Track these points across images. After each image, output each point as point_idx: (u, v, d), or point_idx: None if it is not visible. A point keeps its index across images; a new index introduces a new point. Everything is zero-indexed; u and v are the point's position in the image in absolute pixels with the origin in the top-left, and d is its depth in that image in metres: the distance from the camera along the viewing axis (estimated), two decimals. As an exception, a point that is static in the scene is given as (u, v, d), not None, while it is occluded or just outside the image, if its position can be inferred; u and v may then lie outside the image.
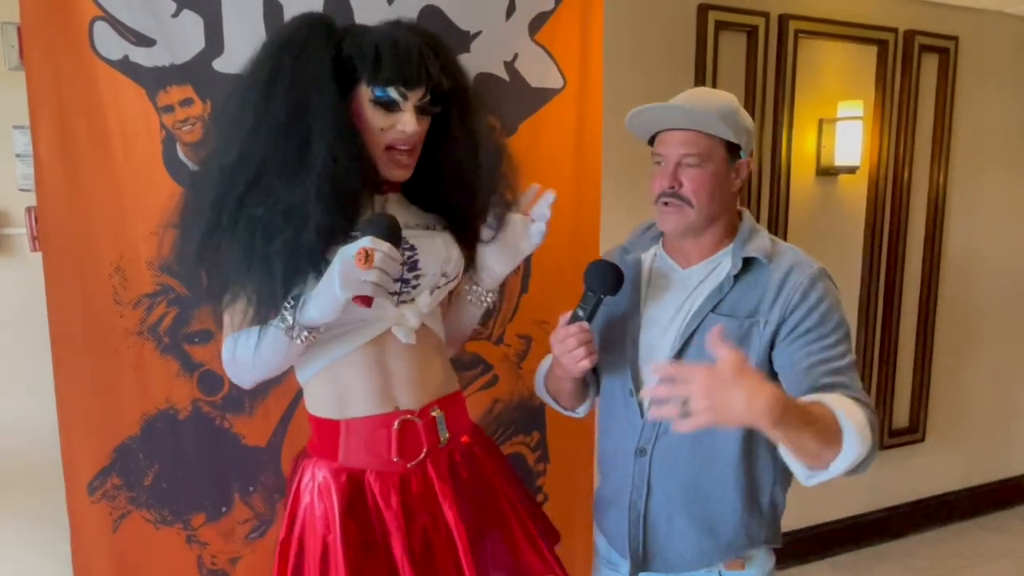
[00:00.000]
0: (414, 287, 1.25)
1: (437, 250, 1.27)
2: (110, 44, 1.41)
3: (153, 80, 1.44)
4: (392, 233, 1.11)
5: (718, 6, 2.43)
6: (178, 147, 1.48)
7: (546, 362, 1.45)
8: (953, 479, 3.25)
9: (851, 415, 1.08)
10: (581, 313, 1.24)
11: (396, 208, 1.27)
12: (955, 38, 2.87)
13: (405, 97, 1.16)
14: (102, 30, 1.40)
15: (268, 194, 1.10)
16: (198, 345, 1.54)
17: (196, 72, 1.46)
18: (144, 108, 1.44)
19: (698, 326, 1.24)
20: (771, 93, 2.58)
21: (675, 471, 1.28)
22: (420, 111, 1.19)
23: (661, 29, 2.38)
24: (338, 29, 1.19)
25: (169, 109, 1.46)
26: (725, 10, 2.44)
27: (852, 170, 2.70)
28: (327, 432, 1.26)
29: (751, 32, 2.51)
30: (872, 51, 2.74)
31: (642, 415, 1.29)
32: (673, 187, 1.23)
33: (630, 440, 1.31)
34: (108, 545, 1.52)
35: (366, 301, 1.10)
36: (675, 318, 1.29)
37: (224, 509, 1.60)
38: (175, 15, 1.44)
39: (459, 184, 1.27)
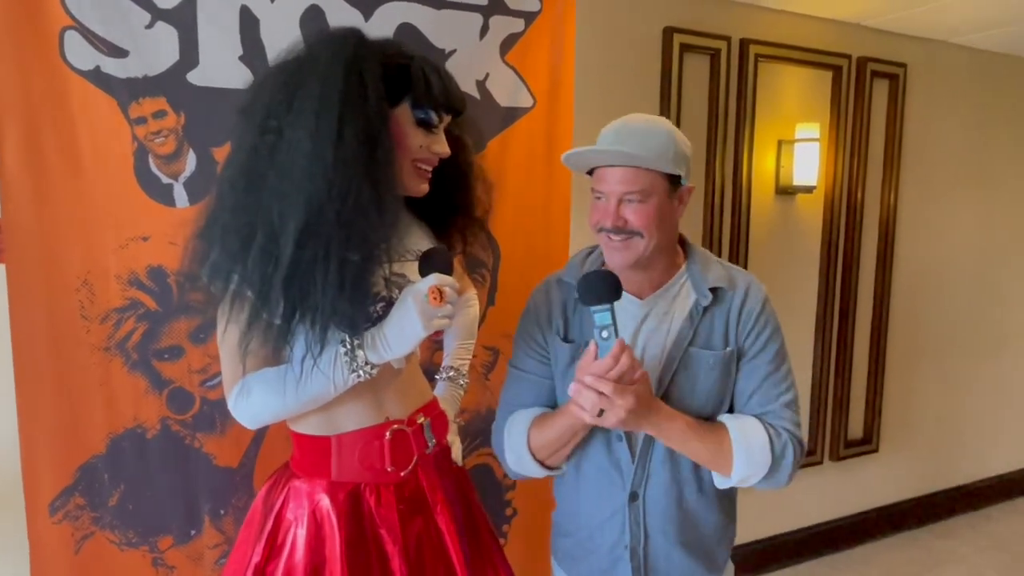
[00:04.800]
0: None
1: None
2: (81, 54, 1.39)
3: (125, 91, 1.42)
4: (451, 266, 1.17)
5: (683, 29, 2.50)
6: (150, 159, 1.46)
7: (519, 423, 1.30)
8: (905, 488, 3.36)
9: (746, 437, 1.21)
10: (607, 335, 1.11)
11: (417, 231, 1.29)
12: (904, 65, 3.00)
13: (441, 119, 1.19)
14: (73, 39, 1.38)
15: (353, 221, 1.05)
16: (168, 362, 1.51)
17: (170, 84, 1.45)
18: (116, 119, 1.42)
19: (680, 361, 1.24)
20: (733, 114, 2.66)
21: (668, 506, 1.28)
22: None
23: (628, 50, 2.43)
24: (376, 48, 1.15)
25: (142, 121, 1.44)
26: (690, 33, 2.51)
27: (809, 190, 2.79)
28: (317, 449, 1.24)
29: (714, 55, 2.58)
30: (828, 76, 2.85)
31: (633, 458, 1.27)
32: (618, 224, 1.20)
33: (618, 488, 1.28)
34: (69, 567, 1.47)
35: (437, 333, 1.15)
36: (646, 353, 1.26)
37: (193, 532, 1.57)
38: (149, 26, 1.43)
39: (457, 196, 1.32)
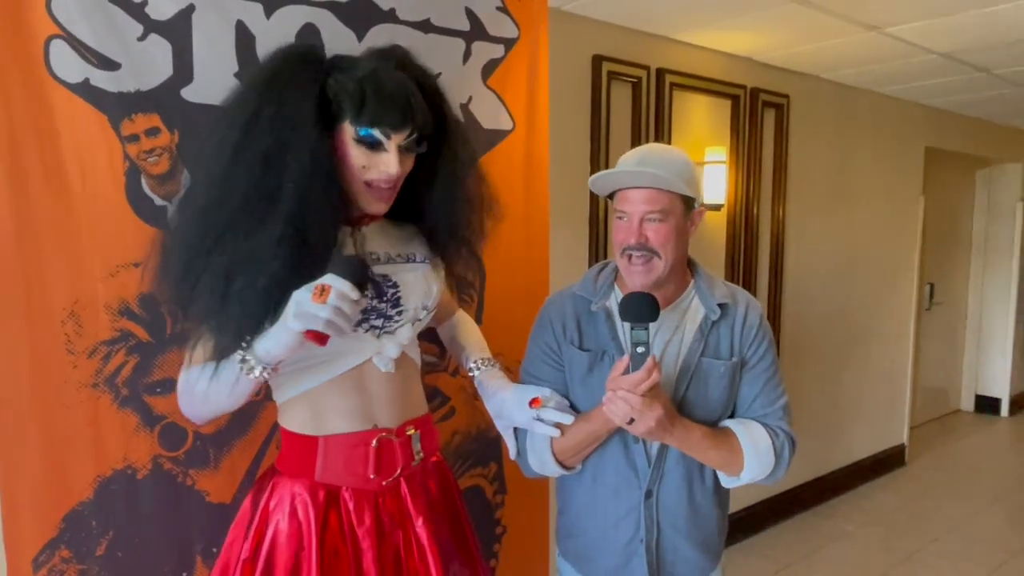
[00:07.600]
0: (396, 321, 1.28)
1: (418, 284, 1.30)
2: (69, 66, 1.28)
3: (117, 107, 1.32)
4: (356, 274, 1.08)
5: (610, 58, 2.67)
6: (143, 180, 1.36)
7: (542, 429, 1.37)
8: (797, 474, 3.72)
9: (754, 442, 1.34)
10: (642, 349, 1.21)
11: (375, 237, 1.28)
12: (787, 96, 3.37)
13: (388, 137, 1.14)
14: (59, 50, 1.27)
15: (236, 238, 1.08)
16: (160, 396, 1.41)
17: (164, 100, 1.37)
18: (106, 137, 1.32)
19: (693, 371, 1.35)
20: (653, 138, 2.86)
21: (679, 502, 1.38)
22: (405, 150, 1.18)
23: (564, 75, 2.55)
24: (324, 63, 1.19)
25: (134, 139, 1.34)
26: (615, 61, 2.68)
27: (718, 208, 3.06)
28: (304, 448, 1.26)
29: (636, 83, 2.77)
30: (728, 104, 3.14)
31: (648, 460, 1.36)
32: (641, 242, 1.29)
33: (633, 487, 1.37)
34: (51, 628, 1.33)
35: (319, 338, 1.08)
36: (660, 363, 1.32)
37: (185, 575, 1.46)
38: (141, 38, 1.34)
39: (442, 208, 1.30)
